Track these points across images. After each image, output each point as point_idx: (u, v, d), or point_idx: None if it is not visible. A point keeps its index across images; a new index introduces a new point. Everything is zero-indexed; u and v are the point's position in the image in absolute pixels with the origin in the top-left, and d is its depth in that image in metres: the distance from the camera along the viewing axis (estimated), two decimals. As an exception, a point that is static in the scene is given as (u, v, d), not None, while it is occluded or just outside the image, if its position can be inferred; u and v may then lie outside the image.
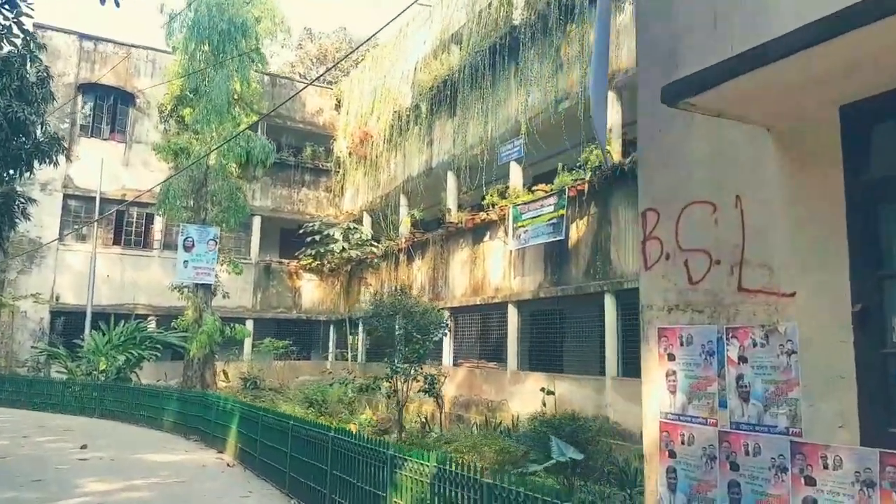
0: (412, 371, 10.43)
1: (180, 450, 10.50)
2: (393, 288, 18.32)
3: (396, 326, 11.30)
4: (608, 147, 10.99)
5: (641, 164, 4.05)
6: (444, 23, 17.18)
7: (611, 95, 11.20)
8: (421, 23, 18.77)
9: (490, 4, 14.85)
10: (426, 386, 10.51)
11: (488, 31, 14.60)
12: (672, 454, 3.44)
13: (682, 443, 3.37)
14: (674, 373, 3.43)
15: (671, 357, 3.57)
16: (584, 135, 11.33)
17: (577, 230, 11.59)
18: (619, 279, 10.57)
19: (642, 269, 3.91)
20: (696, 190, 3.59)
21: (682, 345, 3.44)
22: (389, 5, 57.39)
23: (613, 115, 11.19)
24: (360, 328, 20.29)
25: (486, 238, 14.42)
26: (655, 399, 3.65)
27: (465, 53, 15.37)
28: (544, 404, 10.36)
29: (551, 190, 11.89)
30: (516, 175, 13.78)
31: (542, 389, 10.57)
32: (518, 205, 12.77)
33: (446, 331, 11.52)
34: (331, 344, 23.03)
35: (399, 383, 10.58)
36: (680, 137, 3.70)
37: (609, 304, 10.79)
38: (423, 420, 12.14)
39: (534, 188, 12.68)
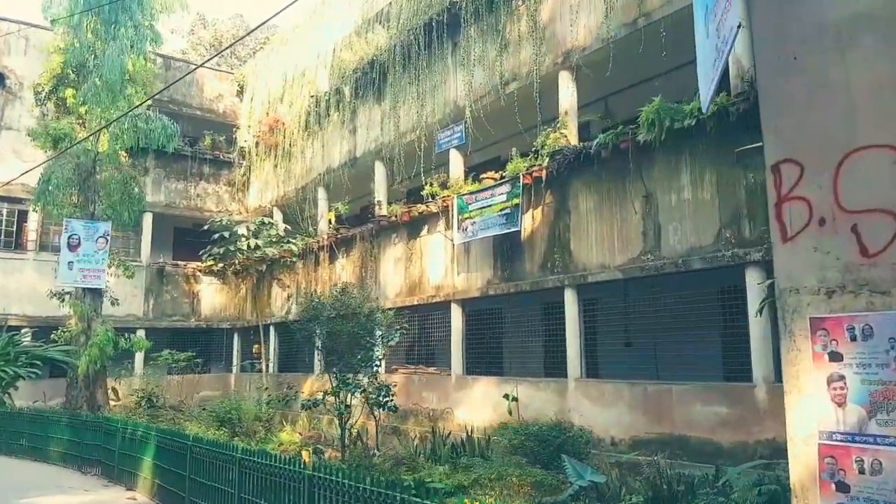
0: (361, 381, 9.22)
1: (78, 488, 8.70)
2: (313, 289, 16.92)
3: (339, 330, 10.01)
4: (564, 131, 10.36)
5: (767, 104, 3.21)
6: (368, 0, 15.99)
7: (565, 75, 10.59)
8: (340, 0, 17.48)
9: None
10: (376, 397, 9.32)
11: (422, 7, 13.63)
12: (843, 487, 2.70)
13: (861, 472, 2.62)
14: (841, 378, 2.72)
15: (836, 356, 2.83)
16: (541, 117, 10.61)
17: (533, 220, 10.88)
18: (580, 272, 9.95)
19: (778, 240, 3.08)
20: (865, 131, 2.79)
21: (854, 339, 2.69)
22: None
23: (568, 96, 10.56)
24: (273, 336, 18.64)
25: (425, 232, 13.44)
26: (809, 414, 2.91)
27: (394, 33, 14.35)
28: (510, 412, 9.50)
29: (503, 177, 11.08)
30: (457, 163, 12.92)
31: (506, 396, 9.72)
32: (464, 195, 11.89)
33: (397, 335, 10.35)
34: (235, 355, 21.13)
35: (346, 397, 9.32)
36: (832, 62, 2.89)
37: (570, 299, 10.14)
38: (356, 434, 10.92)
39: (482, 176, 11.85)
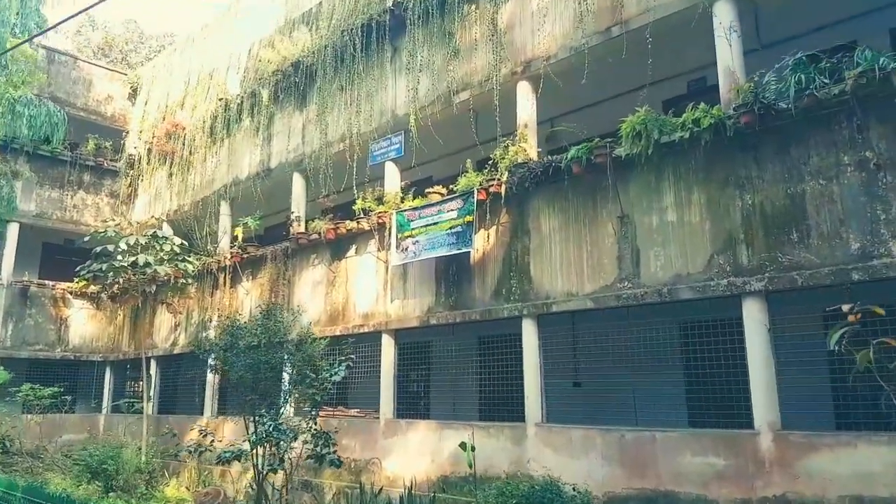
0: (296, 426, 7.29)
1: None
2: (208, 317, 14.62)
3: (263, 362, 8.02)
4: (523, 144, 9.21)
5: None
6: (290, 5, 14.41)
7: (525, 86, 9.52)
8: (256, 8, 15.74)
9: None
10: (316, 448, 7.41)
11: (360, 7, 12.25)
12: None
13: None
14: None
15: None
16: (498, 130, 9.42)
17: (486, 241, 9.60)
18: (542, 300, 8.75)
19: None
20: None
21: None
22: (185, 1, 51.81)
23: (528, 108, 9.48)
24: (155, 371, 15.95)
25: (352, 252, 11.79)
26: None
27: (325, 33, 12.87)
28: (470, 465, 7.89)
29: (452, 192, 9.70)
30: (393, 177, 11.47)
31: (462, 445, 8.12)
32: (405, 210, 10.43)
33: (341, 369, 8.47)
34: (107, 392, 18.06)
35: (272, 447, 7.31)
36: None
37: (529, 330, 8.86)
38: (255, 490, 8.85)
39: (428, 191, 10.47)
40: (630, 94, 9.95)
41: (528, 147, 9.31)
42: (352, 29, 12.09)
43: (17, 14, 12.65)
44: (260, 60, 14.50)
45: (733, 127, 7.16)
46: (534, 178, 8.80)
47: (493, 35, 9.86)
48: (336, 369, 8.04)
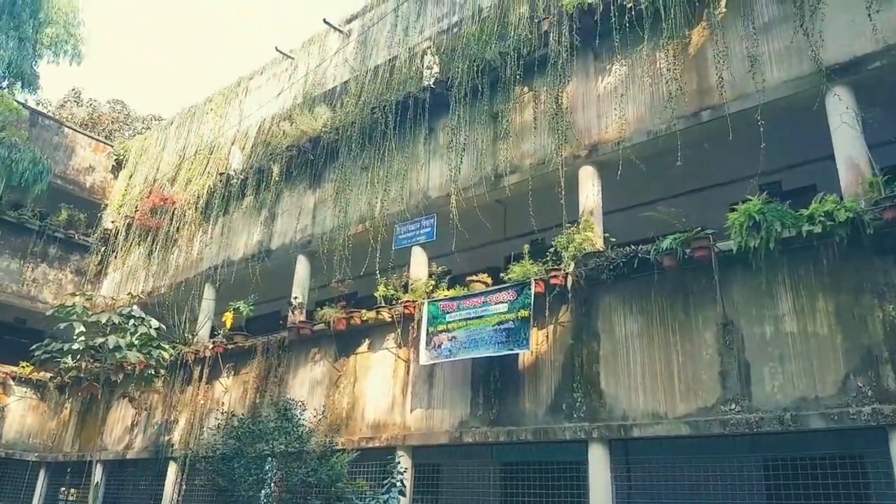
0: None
1: None
2: (174, 417, 12.34)
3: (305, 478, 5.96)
4: (588, 233, 7.91)
5: None
6: (314, 78, 13.44)
7: (589, 171, 8.38)
8: (271, 75, 14.81)
9: (391, 62, 11.59)
10: None
11: (392, 86, 11.27)
12: None
13: None
14: None
15: None
16: (565, 215, 8.15)
17: (541, 343, 8.11)
18: (617, 421, 7.15)
19: None
20: None
21: None
22: (175, 80, 51.54)
23: (593, 195, 8.28)
24: (101, 478, 13.27)
25: (364, 347, 10.12)
26: None
27: (350, 111, 11.72)
28: None
29: (502, 281, 8.22)
30: (421, 263, 10.09)
31: None
32: (440, 300, 8.84)
33: (395, 496, 6.41)
34: (37, 499, 15.01)
35: None
36: None
37: (598, 458, 7.16)
38: None
39: (469, 279, 9.09)
40: (707, 191, 9.03)
41: (595, 236, 8.01)
42: (384, 106, 11.03)
43: (9, 66, 11.20)
44: (273, 135, 13.29)
45: (873, 224, 5.91)
46: (611, 271, 7.37)
47: (554, 116, 8.76)
48: (385, 497, 5.99)
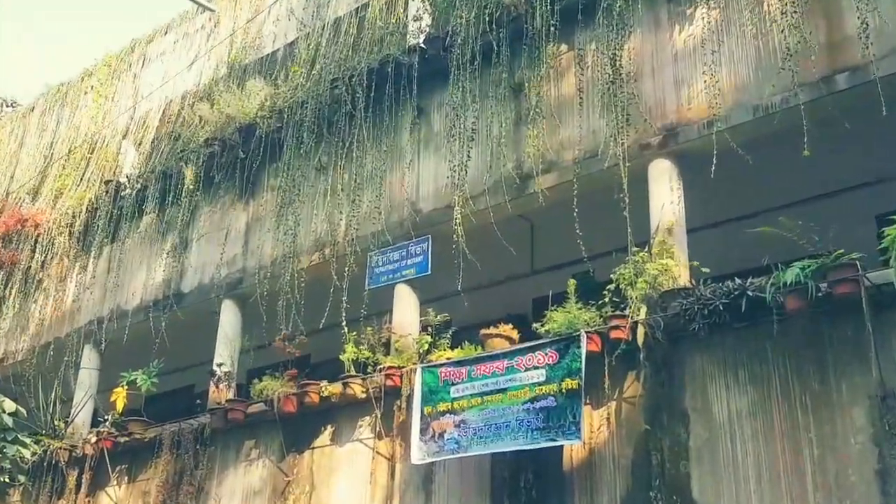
0: None
1: None
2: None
3: None
4: (666, 260, 7.69)
5: None
6: (245, 39, 13.40)
7: (664, 167, 8.25)
8: (181, 36, 14.93)
9: (359, 12, 11.53)
10: None
11: (361, 48, 11.23)
12: None
13: None
14: None
15: None
16: (630, 233, 7.99)
17: (598, 428, 7.87)
18: None
19: None
20: None
21: None
22: (38, 48, 51.57)
23: (672, 200, 8.09)
24: None
25: (326, 438, 9.89)
26: None
27: (299, 85, 11.63)
28: None
29: (544, 335, 8.03)
30: (408, 309, 9.93)
31: None
32: (439, 366, 8.73)
33: None
34: None
35: None
36: None
37: None
38: None
39: (484, 333, 8.83)
40: (843, 195, 8.85)
41: (676, 265, 7.78)
42: (350, 77, 10.90)
43: None
44: (185, 123, 13.13)
45: None
46: (705, 318, 7.05)
47: (609, 86, 8.53)
48: None
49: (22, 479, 11.67)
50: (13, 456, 10.97)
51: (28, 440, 11.41)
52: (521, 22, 9.42)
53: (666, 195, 8.07)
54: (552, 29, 9.09)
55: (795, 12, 7.45)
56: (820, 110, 7.34)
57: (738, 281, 6.99)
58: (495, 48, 9.53)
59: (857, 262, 6.47)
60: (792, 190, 8.69)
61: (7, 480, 11.56)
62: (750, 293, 6.84)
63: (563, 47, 9.32)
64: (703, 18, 8.23)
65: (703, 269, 7.59)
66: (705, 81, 7.97)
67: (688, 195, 8.12)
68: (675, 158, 8.23)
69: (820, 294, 6.52)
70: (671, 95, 8.39)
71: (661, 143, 8.29)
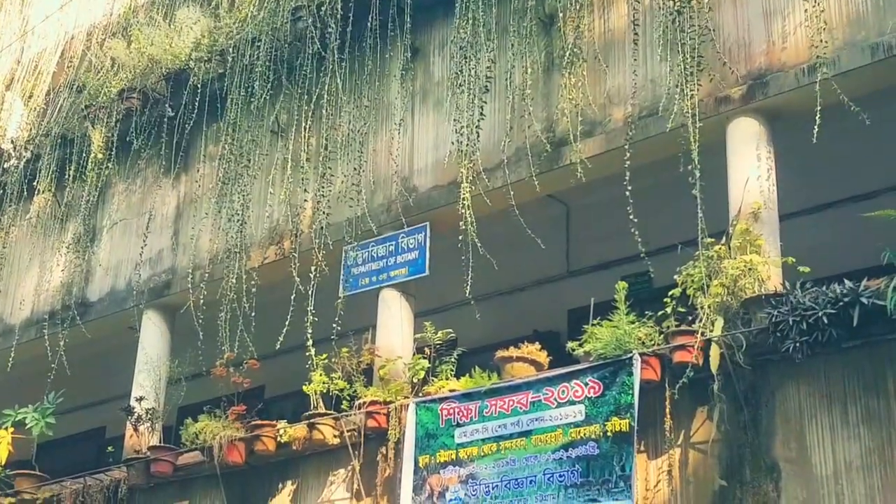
0: None
1: None
2: None
3: None
4: (750, 256, 7.81)
5: None
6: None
7: (750, 127, 8.30)
8: None
9: None
10: None
11: None
12: None
13: None
14: None
15: None
16: (702, 219, 8.00)
17: (656, 484, 7.95)
18: None
19: None
20: None
21: None
22: None
23: (760, 177, 8.14)
24: None
25: (286, 498, 10.16)
26: None
27: (248, 14, 11.76)
28: None
29: (582, 358, 8.21)
30: (397, 323, 10.14)
31: None
32: (439, 401, 8.86)
33: None
34: None
35: None
36: None
37: None
38: None
39: (501, 355, 8.95)
40: None
41: (764, 262, 7.79)
42: (319, 5, 11.02)
43: None
44: (92, 68, 13.17)
45: None
46: (803, 335, 7.12)
47: (674, 18, 8.57)
48: None
49: None
50: None
51: None
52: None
53: (751, 167, 8.13)
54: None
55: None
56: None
57: (848, 284, 7.07)
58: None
59: None
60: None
61: None
62: (865, 300, 6.90)
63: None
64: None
65: (802, 269, 7.63)
66: (806, 11, 7.99)
67: (781, 168, 8.19)
68: (764, 117, 8.28)
69: None
70: (759, 30, 8.43)
71: (746, 95, 8.33)
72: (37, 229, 13.48)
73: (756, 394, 7.56)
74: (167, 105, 12.16)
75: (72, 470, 11.66)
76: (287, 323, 10.06)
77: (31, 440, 11.80)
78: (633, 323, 8.01)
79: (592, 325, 8.20)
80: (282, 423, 9.82)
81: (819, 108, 7.63)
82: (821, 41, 7.81)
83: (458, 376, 9.13)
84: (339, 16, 10.72)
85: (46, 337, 12.44)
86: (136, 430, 11.07)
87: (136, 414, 11.09)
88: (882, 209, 7.19)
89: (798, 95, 8.00)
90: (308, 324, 9.93)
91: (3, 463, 11.80)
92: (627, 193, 8.28)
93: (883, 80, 7.83)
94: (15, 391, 12.36)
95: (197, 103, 11.84)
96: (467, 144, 9.54)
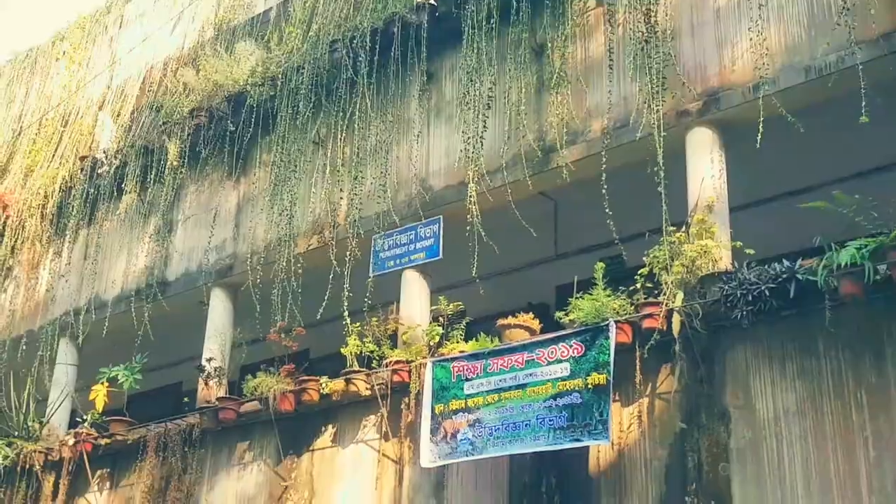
0: None
1: None
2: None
3: None
4: (706, 241, 7.64)
5: None
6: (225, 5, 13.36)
7: (705, 136, 8.16)
8: (155, 7, 14.77)
9: None
10: None
11: (364, 6, 11.09)
12: None
13: None
14: None
15: None
16: (666, 211, 7.92)
17: (628, 427, 7.81)
18: None
19: None
20: None
21: None
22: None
23: (713, 174, 8.00)
24: None
25: (327, 439, 9.89)
26: None
27: (294, 48, 11.64)
28: None
29: (569, 325, 8.06)
30: (417, 298, 9.87)
31: None
32: (451, 360, 8.71)
33: None
34: None
35: None
36: None
37: None
38: None
39: (501, 323, 8.80)
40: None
41: (717, 246, 7.66)
42: (352, 39, 10.81)
43: None
44: (168, 92, 13.10)
45: None
46: (749, 305, 6.99)
47: (643, 45, 8.41)
48: None
49: (-6, 486, 11.84)
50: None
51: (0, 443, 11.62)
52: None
53: (706, 168, 7.94)
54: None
55: (854, -40, 7.37)
56: (880, 72, 7.20)
57: (786, 263, 6.89)
58: (514, 4, 9.30)
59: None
60: (848, 162, 8.56)
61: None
62: (800, 277, 6.76)
63: (591, 2, 9.14)
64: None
65: (748, 251, 7.51)
66: (751, 40, 7.78)
67: (731, 168, 8.00)
68: (716, 127, 8.09)
69: (878, 277, 6.41)
70: (712, 56, 8.24)
71: (701, 109, 8.13)
72: (124, 223, 13.28)
73: (710, 353, 7.39)
74: (228, 121, 11.95)
75: (155, 417, 11.50)
76: (326, 298, 9.89)
77: (122, 393, 11.70)
78: (609, 296, 7.83)
79: (576, 298, 8.04)
80: (324, 379, 9.63)
81: (762, 119, 7.47)
82: (763, 64, 7.65)
83: (466, 340, 8.98)
84: (367, 47, 10.51)
85: (133, 310, 12.29)
86: (206, 384, 10.92)
87: (206, 372, 10.96)
88: (814, 201, 7.04)
89: (745, 109, 7.81)
90: (344, 298, 9.74)
91: (100, 411, 11.74)
92: (604, 191, 8.13)
93: (814, 95, 7.63)
94: (109, 353, 12.21)
95: (252, 120, 11.61)
96: (473, 152, 9.37)
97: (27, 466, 12.17)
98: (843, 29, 7.20)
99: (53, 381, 13.10)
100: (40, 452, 12.14)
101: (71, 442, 11.87)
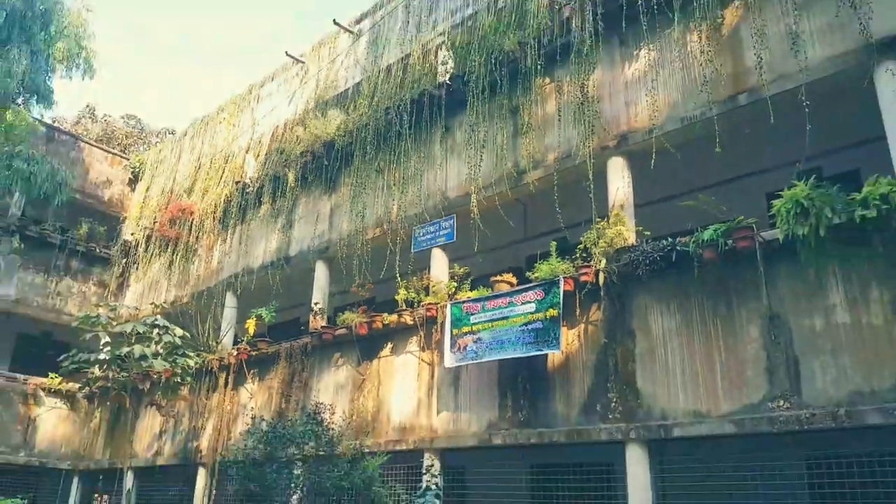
0: None
1: None
2: (202, 425, 11.93)
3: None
4: (619, 227, 7.33)
5: None
6: (326, 81, 12.91)
7: (618, 163, 7.80)
8: (282, 81, 14.34)
9: (404, 60, 11.02)
10: None
11: (405, 85, 10.71)
12: None
13: None
14: None
15: None
16: (594, 209, 7.61)
17: (571, 342, 7.55)
18: (656, 421, 6.60)
19: None
20: None
21: None
22: (187, 93, 51.20)
23: (623, 187, 7.68)
24: (132, 486, 12.74)
25: (387, 351, 9.61)
26: None
27: (363, 112, 11.18)
28: None
29: (528, 281, 7.74)
30: (441, 265, 9.54)
31: None
32: (463, 302, 8.34)
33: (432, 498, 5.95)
34: (71, 507, 14.67)
35: None
36: None
37: (635, 460, 6.63)
38: None
39: (494, 279, 8.55)
40: (745, 180, 8.45)
41: (626, 230, 7.42)
42: (398, 106, 10.47)
43: (23, 77, 10.78)
44: (286, 141, 12.78)
45: (933, 204, 5.28)
46: (647, 266, 6.78)
47: (579, 106, 8.15)
48: (421, 500, 5.47)
49: (189, 379, 11.78)
50: (182, 364, 11.11)
51: (192, 354, 11.59)
52: (517, 63, 8.94)
53: (620, 182, 7.70)
54: (539, 67, 8.69)
55: (710, 51, 7.06)
56: (728, 120, 6.97)
57: (670, 240, 6.74)
58: (499, 82, 9.09)
59: (753, 225, 6.21)
60: (708, 176, 8.30)
61: (179, 381, 11.68)
62: (678, 248, 6.61)
63: (547, 80, 8.85)
64: (645, 57, 7.79)
65: (646, 233, 7.33)
66: (647, 101, 7.59)
67: (635, 182, 7.77)
68: (626, 156, 7.79)
69: (727, 247, 6.27)
70: (623, 112, 7.94)
71: (616, 145, 7.86)
72: (263, 222, 13.05)
73: (623, 297, 7.16)
74: (324, 159, 11.69)
75: (284, 338, 11.33)
76: (385, 266, 9.70)
77: (264, 324, 11.57)
78: (559, 262, 7.61)
79: (538, 264, 7.82)
80: (385, 314, 9.43)
81: (654, 150, 7.28)
82: (654, 116, 7.45)
83: (471, 290, 8.76)
84: (408, 111, 10.25)
85: (269, 274, 12.13)
86: (314, 318, 10.73)
87: (314, 311, 10.78)
88: (687, 201, 6.80)
89: (644, 145, 7.54)
90: (396, 265, 9.57)
91: (251, 335, 11.61)
92: (555, 197, 7.93)
93: (687, 135, 7.33)
94: (256, 300, 12.06)
95: (339, 157, 11.38)
96: (473, 175, 9.14)
97: (209, 369, 12.19)
98: (704, 94, 7.01)
99: (223, 317, 12.99)
100: (216, 360, 12.11)
101: (234, 354, 11.83)
